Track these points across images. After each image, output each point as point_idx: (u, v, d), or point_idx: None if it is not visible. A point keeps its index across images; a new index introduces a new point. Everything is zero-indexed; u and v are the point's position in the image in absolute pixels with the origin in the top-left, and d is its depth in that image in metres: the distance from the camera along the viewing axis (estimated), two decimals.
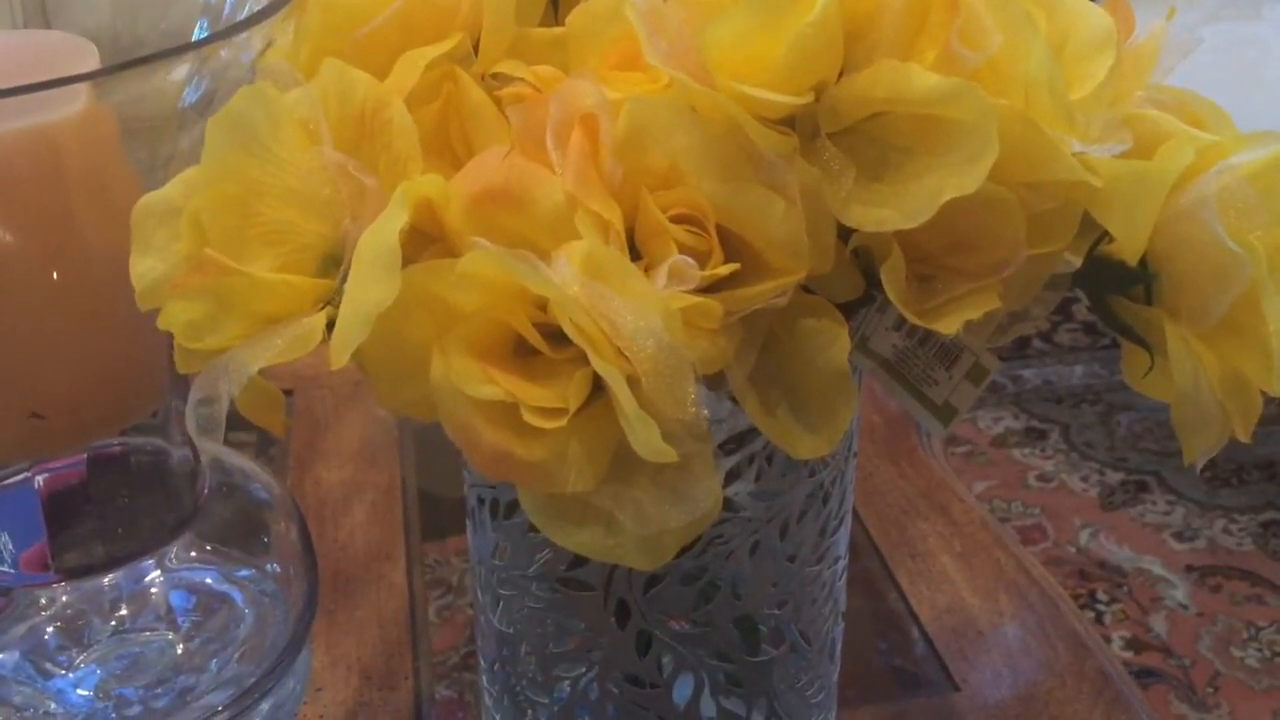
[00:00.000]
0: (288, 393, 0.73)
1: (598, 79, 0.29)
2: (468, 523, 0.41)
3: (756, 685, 0.40)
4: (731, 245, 0.28)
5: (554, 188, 0.28)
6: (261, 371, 0.28)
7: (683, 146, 0.28)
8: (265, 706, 0.39)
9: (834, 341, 0.29)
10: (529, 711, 0.41)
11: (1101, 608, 1.25)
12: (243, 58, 0.32)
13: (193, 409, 0.28)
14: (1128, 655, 1.18)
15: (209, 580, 0.41)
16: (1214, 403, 0.30)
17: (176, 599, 0.40)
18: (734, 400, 0.30)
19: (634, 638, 0.38)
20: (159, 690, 0.39)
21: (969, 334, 0.31)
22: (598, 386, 0.27)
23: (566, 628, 0.39)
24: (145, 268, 0.29)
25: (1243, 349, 0.30)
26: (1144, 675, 1.15)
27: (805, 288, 0.29)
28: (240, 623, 0.40)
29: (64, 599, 0.39)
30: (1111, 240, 0.31)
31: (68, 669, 0.39)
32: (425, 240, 0.29)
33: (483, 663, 0.43)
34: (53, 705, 0.38)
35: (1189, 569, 1.31)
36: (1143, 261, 0.30)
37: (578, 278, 0.26)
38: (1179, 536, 1.35)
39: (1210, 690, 1.15)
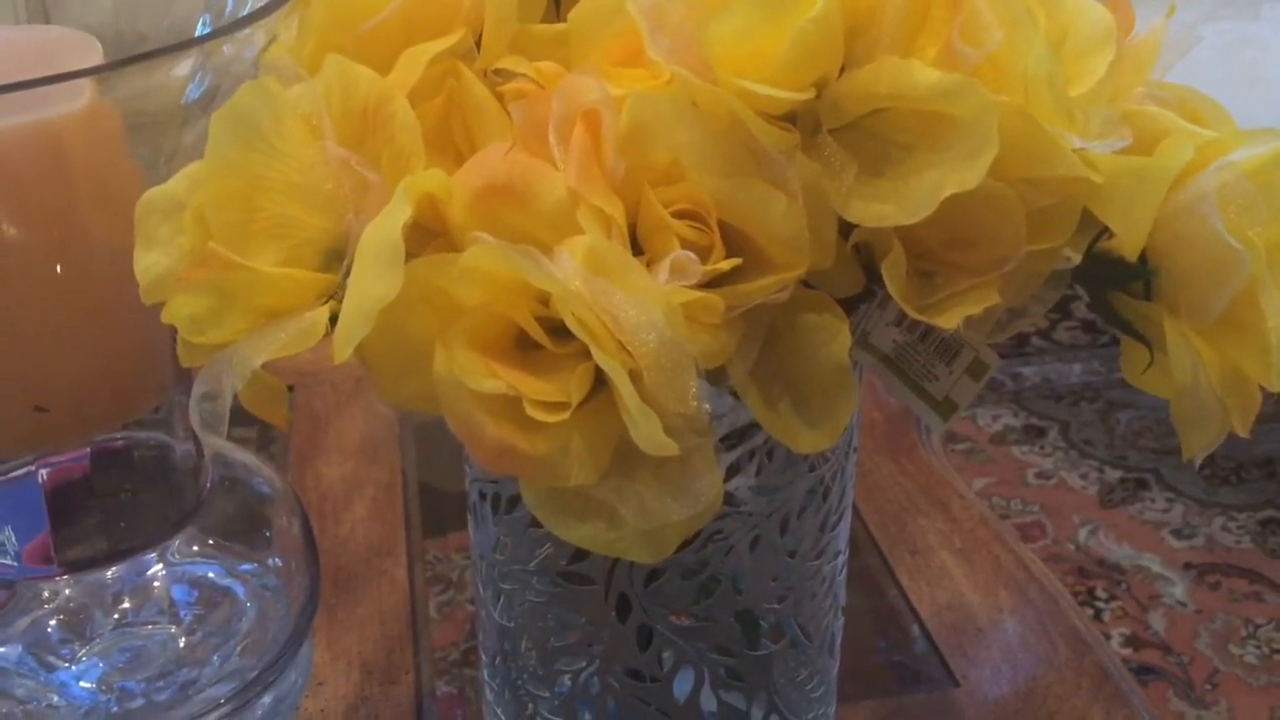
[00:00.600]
0: (289, 388, 0.74)
1: (600, 75, 0.29)
2: (469, 517, 0.41)
3: (757, 679, 0.40)
4: (733, 240, 0.28)
5: (556, 183, 0.28)
6: (264, 366, 0.28)
7: (685, 142, 0.28)
8: (267, 700, 0.40)
9: (835, 337, 0.29)
10: (530, 705, 0.41)
11: (1100, 605, 1.25)
12: (245, 54, 0.32)
13: (196, 404, 0.28)
14: (1126, 652, 1.19)
15: (211, 574, 0.41)
16: (1213, 398, 0.30)
17: (179, 593, 0.40)
18: (735, 395, 0.30)
19: (635, 632, 0.38)
20: (161, 683, 0.39)
21: (969, 329, 0.31)
22: (600, 381, 0.28)
23: (567, 622, 0.39)
24: (149, 262, 0.29)
25: (1242, 345, 0.30)
26: (1143, 672, 1.15)
27: (806, 283, 0.29)
28: (242, 616, 0.40)
29: (66, 592, 0.39)
30: (1111, 236, 0.31)
31: (70, 662, 0.39)
32: (427, 236, 0.30)
33: (484, 657, 0.43)
34: (55, 698, 0.38)
35: (1188, 566, 1.31)
36: (1142, 257, 0.30)
37: (580, 272, 0.26)
38: (1178, 534, 1.35)
39: (1209, 687, 1.16)
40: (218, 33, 0.31)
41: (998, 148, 0.26)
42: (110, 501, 0.37)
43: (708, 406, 0.27)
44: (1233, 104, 0.33)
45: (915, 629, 0.57)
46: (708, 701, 0.39)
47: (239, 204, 0.28)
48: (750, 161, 0.28)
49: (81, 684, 0.38)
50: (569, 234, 0.27)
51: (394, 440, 0.70)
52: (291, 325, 0.27)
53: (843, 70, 0.28)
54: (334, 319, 0.27)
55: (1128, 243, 0.30)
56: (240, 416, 0.29)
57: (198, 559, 0.41)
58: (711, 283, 0.28)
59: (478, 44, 0.32)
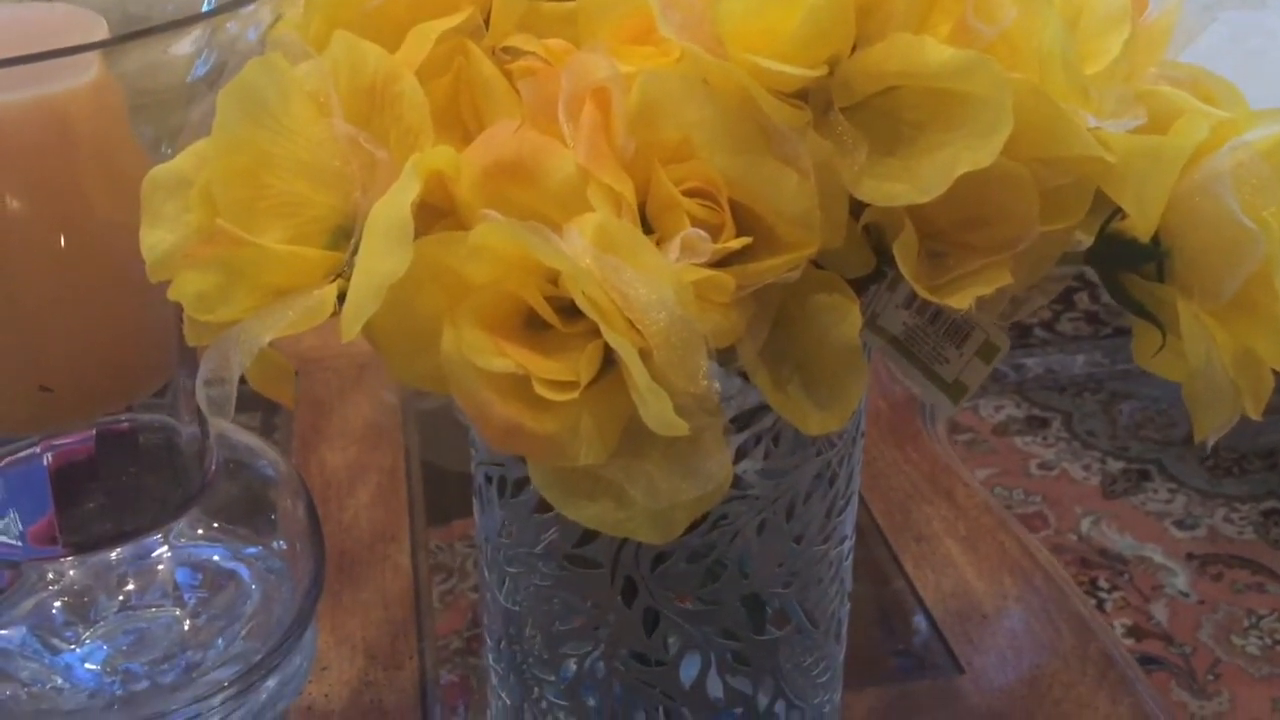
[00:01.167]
0: None
1: (609, 53, 0.28)
2: (474, 501, 0.41)
3: (763, 664, 0.40)
4: (743, 219, 0.28)
5: (566, 160, 0.27)
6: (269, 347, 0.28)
7: (695, 120, 0.27)
8: (271, 683, 0.39)
9: (845, 317, 0.29)
10: (535, 689, 0.41)
11: (1103, 595, 1.25)
12: (251, 31, 0.32)
13: (203, 386, 0.28)
14: (1129, 643, 1.18)
15: (216, 557, 0.41)
16: (1226, 380, 0.30)
17: (183, 575, 0.40)
18: (743, 377, 0.30)
19: (641, 616, 0.38)
20: (165, 666, 0.39)
21: (980, 310, 0.31)
22: (608, 360, 0.27)
23: (573, 605, 0.39)
24: (155, 239, 0.29)
25: (1255, 326, 0.30)
26: (1145, 663, 1.15)
27: (816, 263, 0.29)
28: (247, 599, 0.40)
29: (71, 574, 0.39)
30: (1124, 217, 0.31)
31: (74, 644, 0.39)
32: (435, 215, 0.29)
33: (489, 641, 0.43)
34: (60, 680, 0.38)
35: (1190, 557, 1.31)
36: (1155, 238, 0.30)
37: (590, 250, 0.26)
38: (1180, 525, 1.35)
39: (1211, 678, 1.16)
40: (223, 8, 0.31)
41: (1012, 125, 0.26)
42: (115, 483, 0.37)
43: (718, 386, 0.27)
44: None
45: (920, 616, 0.57)
46: (714, 686, 0.39)
47: (247, 181, 0.28)
48: (761, 139, 0.28)
49: (86, 666, 0.38)
50: (578, 212, 0.27)
51: (397, 427, 0.69)
52: (299, 303, 0.27)
53: (855, 48, 0.28)
54: (342, 297, 0.27)
55: (1140, 223, 0.30)
56: (243, 402, 0.29)
57: (202, 542, 0.41)
58: (721, 262, 0.28)
59: (486, 21, 0.31)
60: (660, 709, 0.39)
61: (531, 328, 0.28)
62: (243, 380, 0.28)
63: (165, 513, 0.38)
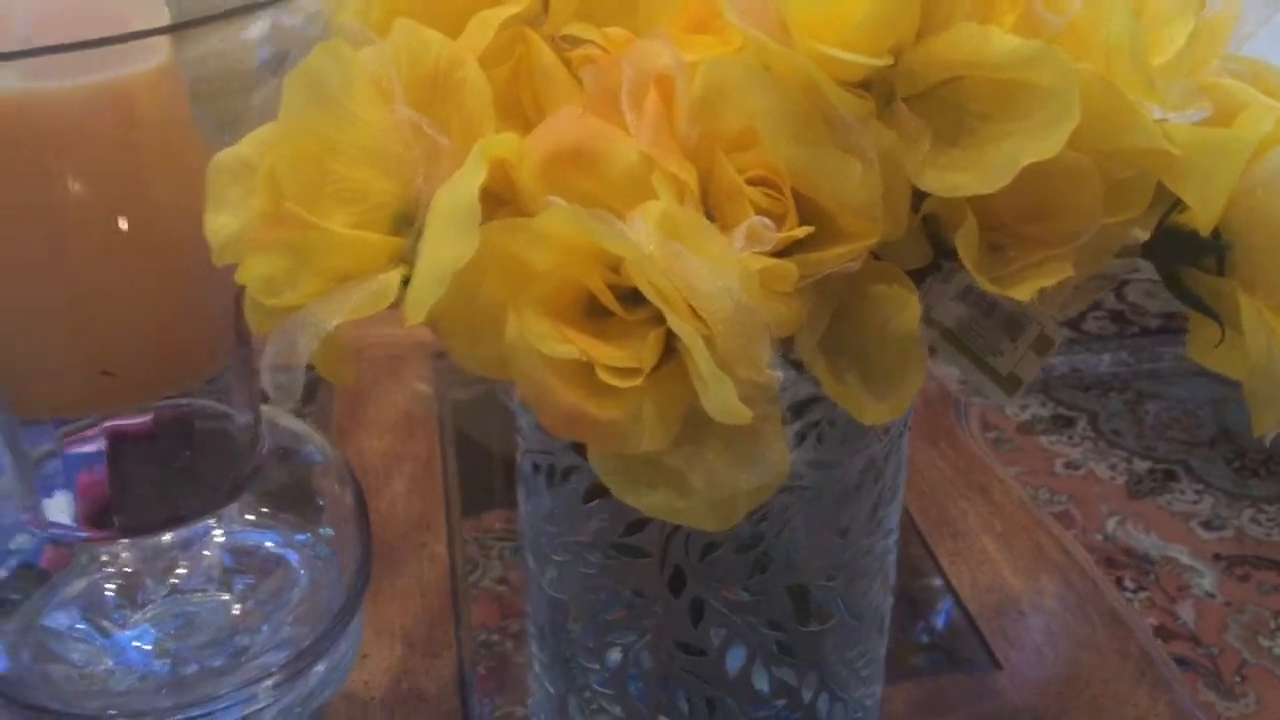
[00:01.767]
0: None
1: (670, 41, 0.28)
2: (519, 489, 0.41)
3: (808, 656, 0.40)
4: (805, 209, 0.28)
5: (629, 148, 0.27)
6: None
7: (759, 108, 0.27)
8: (320, 669, 0.40)
9: (905, 308, 0.29)
10: (579, 679, 0.41)
11: (1129, 595, 1.24)
12: (314, 18, 0.32)
13: (270, 373, 0.28)
14: (1155, 644, 1.18)
15: (267, 543, 0.41)
16: None
17: (231, 561, 0.41)
18: (795, 367, 0.30)
19: (688, 605, 0.38)
20: (213, 650, 0.39)
21: (1040, 303, 0.31)
22: (670, 348, 0.27)
23: (619, 594, 0.39)
24: (219, 224, 0.29)
25: None
26: None
27: (874, 254, 0.29)
28: (295, 585, 0.40)
29: (123, 556, 0.39)
30: (1183, 210, 0.31)
31: (123, 626, 0.39)
32: (496, 203, 0.29)
33: (532, 629, 0.43)
34: (110, 662, 0.38)
35: (1217, 558, 1.30)
36: (1215, 232, 0.30)
37: (654, 237, 0.26)
38: (1207, 525, 1.34)
39: (1238, 679, 1.15)
40: None
41: (1079, 116, 0.26)
42: (170, 468, 0.37)
43: (779, 374, 0.27)
44: None
45: (956, 611, 0.57)
46: (759, 678, 0.39)
47: (311, 166, 0.28)
48: (825, 128, 0.28)
49: (136, 647, 0.38)
50: (640, 200, 0.27)
51: (432, 418, 0.70)
52: (364, 287, 0.27)
53: (919, 37, 0.28)
54: (405, 282, 0.27)
55: (1202, 217, 0.29)
56: None
57: (251, 527, 0.41)
58: (783, 251, 0.28)
59: (545, 9, 0.31)
60: (705, 700, 0.39)
61: (593, 315, 0.28)
62: None
63: (217, 498, 0.39)
